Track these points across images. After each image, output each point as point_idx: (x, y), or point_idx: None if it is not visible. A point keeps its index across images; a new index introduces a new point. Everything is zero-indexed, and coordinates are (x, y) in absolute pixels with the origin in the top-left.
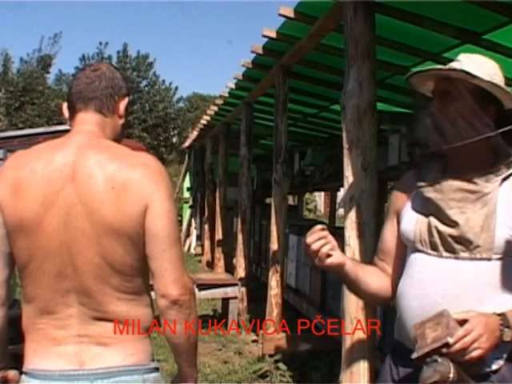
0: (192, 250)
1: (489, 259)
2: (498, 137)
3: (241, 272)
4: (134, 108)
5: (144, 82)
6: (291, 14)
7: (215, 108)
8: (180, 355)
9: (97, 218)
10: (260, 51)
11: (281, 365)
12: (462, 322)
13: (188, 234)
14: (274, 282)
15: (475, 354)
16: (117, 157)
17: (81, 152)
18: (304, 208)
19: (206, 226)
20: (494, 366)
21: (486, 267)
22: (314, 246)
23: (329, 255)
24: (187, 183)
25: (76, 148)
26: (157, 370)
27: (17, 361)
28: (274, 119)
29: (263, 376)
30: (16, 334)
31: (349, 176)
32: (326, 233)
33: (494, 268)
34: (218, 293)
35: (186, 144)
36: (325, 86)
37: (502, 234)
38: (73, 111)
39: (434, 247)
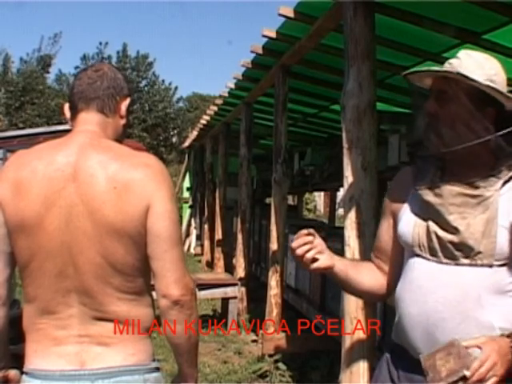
0: (192, 250)
1: (490, 266)
2: (499, 139)
3: (240, 272)
4: (134, 108)
5: (144, 82)
6: (291, 14)
7: (215, 108)
8: (181, 355)
9: (98, 218)
10: (260, 51)
11: (280, 365)
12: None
13: (188, 234)
14: (273, 281)
15: (491, 382)
16: (118, 157)
17: (82, 152)
18: (304, 208)
19: (206, 226)
20: None
21: (487, 274)
22: (299, 252)
23: (315, 259)
24: (187, 183)
25: (77, 148)
26: (157, 369)
27: (17, 360)
28: (274, 119)
29: (263, 376)
30: (16, 333)
31: (348, 176)
32: (311, 238)
33: (496, 274)
34: (218, 293)
35: (186, 144)
36: (324, 85)
37: (503, 239)
38: (74, 111)
39: (433, 253)
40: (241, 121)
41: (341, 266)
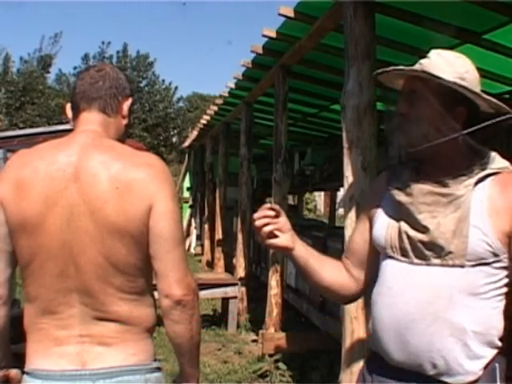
0: (192, 250)
1: (462, 266)
2: (467, 137)
3: (241, 272)
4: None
5: (144, 82)
6: (291, 14)
7: (215, 108)
8: (183, 355)
9: (100, 218)
10: (260, 51)
11: (281, 364)
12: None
13: (188, 234)
14: (273, 281)
15: None
16: (120, 157)
17: (84, 152)
18: (304, 208)
19: (206, 226)
20: None
21: (459, 274)
22: (257, 223)
23: (275, 236)
24: (187, 183)
25: (79, 148)
26: (159, 369)
27: (17, 360)
28: (274, 119)
29: (263, 376)
30: (16, 333)
31: (349, 176)
32: (272, 213)
33: (468, 275)
34: (218, 292)
35: (186, 144)
36: (325, 85)
37: (475, 239)
38: (76, 111)
39: (404, 253)
40: (241, 120)
41: (302, 252)
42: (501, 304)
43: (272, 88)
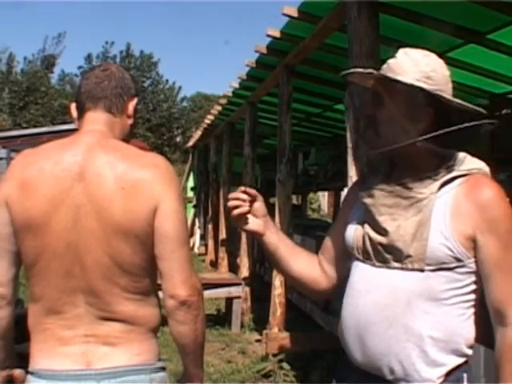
0: (195, 250)
1: (421, 270)
2: (425, 143)
3: (244, 271)
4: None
5: (148, 82)
6: (295, 14)
7: (219, 107)
8: (187, 355)
9: (106, 218)
10: (264, 51)
11: (284, 364)
12: None
13: (192, 234)
14: (277, 281)
15: None
16: (126, 157)
17: (90, 152)
18: (308, 208)
19: (210, 226)
20: None
21: (418, 278)
22: (229, 204)
23: (246, 219)
24: (191, 183)
25: (85, 147)
26: (163, 369)
27: (21, 360)
28: (278, 119)
29: (267, 375)
30: (20, 333)
31: (353, 176)
32: (244, 196)
33: (428, 280)
34: (222, 292)
35: (190, 143)
36: (329, 85)
37: (435, 243)
38: (82, 110)
39: (366, 256)
40: (245, 120)
41: (273, 239)
42: (469, 311)
43: (276, 88)
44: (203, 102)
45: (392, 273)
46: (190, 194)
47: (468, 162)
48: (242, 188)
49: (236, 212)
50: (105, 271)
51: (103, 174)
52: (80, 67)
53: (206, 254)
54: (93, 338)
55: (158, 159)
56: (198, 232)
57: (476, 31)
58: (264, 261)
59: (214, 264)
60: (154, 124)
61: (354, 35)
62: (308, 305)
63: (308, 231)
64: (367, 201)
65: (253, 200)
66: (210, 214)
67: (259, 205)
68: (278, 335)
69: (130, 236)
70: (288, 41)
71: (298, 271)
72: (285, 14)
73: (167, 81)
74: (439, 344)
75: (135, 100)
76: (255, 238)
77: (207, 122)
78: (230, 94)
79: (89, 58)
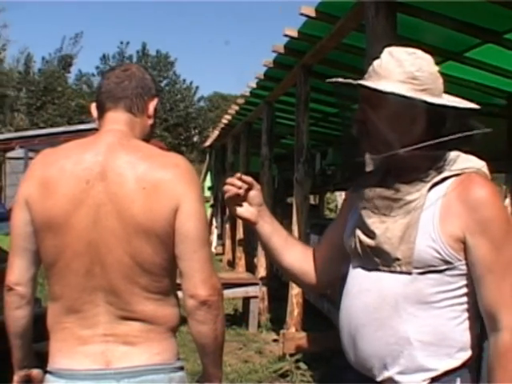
0: (213, 249)
1: (409, 273)
2: (407, 151)
3: (262, 271)
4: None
5: (165, 82)
6: (312, 14)
7: (236, 107)
8: (207, 355)
9: (127, 218)
10: (281, 50)
11: (301, 364)
12: None
13: (209, 233)
14: None
15: None
16: (147, 157)
17: (111, 151)
18: (325, 207)
19: (227, 225)
20: None
21: (406, 281)
22: (224, 188)
23: (240, 205)
24: (208, 182)
25: (106, 147)
26: (182, 369)
27: (39, 359)
28: (296, 118)
29: (284, 375)
30: (37, 332)
31: None
32: (239, 183)
33: (416, 283)
34: (239, 292)
35: (207, 143)
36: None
37: (422, 246)
38: (102, 110)
39: (359, 258)
40: (262, 120)
41: (266, 229)
42: (463, 314)
43: (293, 88)
44: (220, 101)
45: (381, 276)
46: (208, 193)
47: (461, 162)
48: (238, 175)
49: (227, 195)
50: (125, 271)
51: (124, 174)
52: (97, 67)
53: (223, 253)
54: (112, 338)
55: (179, 159)
56: (215, 232)
57: (493, 31)
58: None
59: (232, 264)
60: (171, 124)
61: (371, 35)
62: (325, 305)
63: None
64: (358, 203)
65: (249, 188)
66: (227, 213)
67: (255, 193)
68: (295, 335)
69: (151, 236)
70: (305, 41)
71: (290, 263)
72: (302, 14)
73: (184, 81)
74: (429, 348)
75: (156, 100)
76: (249, 226)
77: (224, 121)
78: (248, 94)
79: (104, 58)
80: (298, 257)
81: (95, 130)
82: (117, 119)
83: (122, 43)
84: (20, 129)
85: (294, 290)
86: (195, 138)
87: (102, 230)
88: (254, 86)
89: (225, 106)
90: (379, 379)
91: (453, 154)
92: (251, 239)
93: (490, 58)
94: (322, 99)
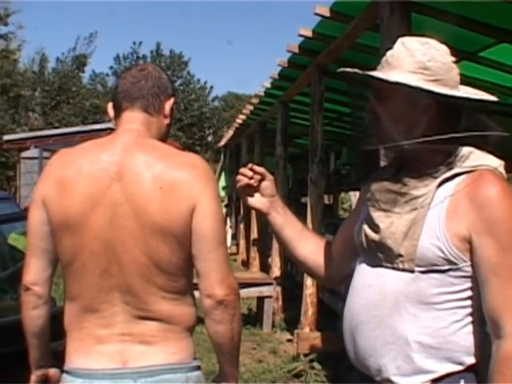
0: None
1: (411, 271)
2: (416, 143)
3: (276, 271)
4: None
5: (179, 81)
6: (327, 13)
7: (251, 107)
8: (223, 355)
9: (144, 218)
10: (296, 50)
11: (315, 364)
12: None
13: None
14: (309, 281)
15: None
16: (164, 157)
17: (127, 151)
18: (339, 207)
19: (242, 225)
20: None
21: (408, 280)
22: (237, 177)
23: (251, 196)
24: (222, 182)
25: (122, 147)
26: (199, 368)
27: (54, 358)
28: (310, 118)
29: (298, 375)
30: (52, 331)
31: None
32: (250, 173)
33: (418, 282)
34: (253, 292)
35: (222, 143)
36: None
37: (426, 243)
38: (118, 110)
39: (365, 253)
40: (277, 120)
41: (279, 220)
42: (466, 318)
43: (308, 87)
44: (234, 101)
45: (383, 272)
46: (222, 193)
47: (474, 158)
48: (250, 165)
49: (238, 185)
50: (142, 270)
51: (141, 174)
52: (111, 67)
53: (237, 253)
54: (129, 337)
55: (196, 159)
56: (229, 231)
57: (508, 30)
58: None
59: (246, 263)
60: (186, 124)
61: (386, 35)
62: (339, 304)
63: None
64: (366, 196)
65: (262, 179)
66: (241, 213)
67: (267, 184)
68: (309, 335)
69: (168, 235)
70: (320, 40)
71: (303, 255)
72: (317, 14)
73: (198, 80)
74: (429, 350)
75: (172, 100)
76: (262, 217)
77: (239, 121)
78: (262, 94)
79: (118, 58)
80: (311, 249)
81: (110, 129)
82: (133, 119)
83: (134, 43)
84: (35, 128)
85: (308, 290)
86: (209, 138)
87: (119, 229)
88: (269, 85)
89: (239, 105)
90: (377, 378)
91: (465, 150)
92: (265, 239)
93: (505, 57)
94: (336, 99)
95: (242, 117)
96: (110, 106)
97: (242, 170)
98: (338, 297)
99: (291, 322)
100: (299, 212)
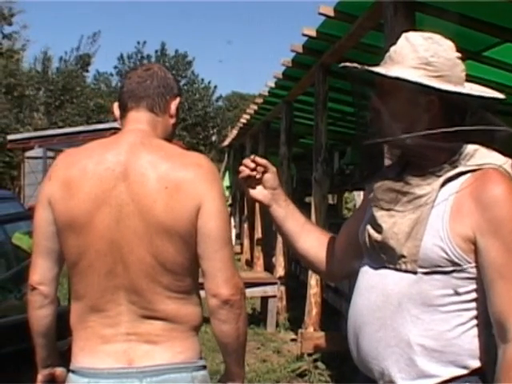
0: None
1: (414, 272)
2: (415, 138)
3: (280, 271)
4: None
5: (183, 81)
6: (331, 13)
7: (255, 107)
8: (229, 355)
9: (149, 218)
10: (300, 50)
11: (319, 364)
12: None
13: None
14: (313, 280)
15: None
16: (169, 156)
17: (133, 151)
18: (343, 207)
19: (246, 225)
20: None
21: (411, 281)
22: (240, 168)
23: (253, 187)
24: (226, 182)
25: (128, 147)
26: (205, 367)
27: (60, 357)
28: (314, 118)
29: (302, 375)
30: (57, 330)
31: None
32: (252, 165)
33: (421, 283)
34: (258, 291)
35: (226, 143)
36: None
37: (429, 244)
38: (124, 110)
39: (368, 253)
40: (281, 120)
41: (281, 213)
42: (471, 321)
43: (312, 87)
44: (238, 101)
45: (386, 273)
46: (226, 193)
47: (479, 157)
48: (252, 157)
49: (240, 176)
50: (147, 270)
51: (146, 174)
52: (115, 67)
53: (241, 253)
54: (134, 337)
55: (201, 159)
56: (233, 231)
57: None
58: (300, 260)
59: (250, 263)
60: (190, 123)
61: (390, 34)
62: (343, 304)
63: None
64: (370, 196)
65: (265, 171)
66: (245, 213)
67: (269, 176)
68: (313, 334)
69: (173, 235)
70: (324, 40)
71: (305, 249)
72: (321, 14)
73: (202, 80)
74: (432, 354)
75: (177, 99)
76: (266, 216)
77: (243, 121)
78: (266, 94)
79: (122, 58)
80: (313, 243)
81: (114, 129)
82: (139, 119)
83: (138, 43)
84: (39, 128)
85: (313, 290)
86: (213, 138)
87: (125, 229)
88: (273, 85)
89: (243, 105)
90: (380, 382)
91: (470, 148)
92: (269, 239)
93: (510, 57)
94: (340, 98)
95: (246, 116)
96: (115, 105)
97: (245, 161)
98: (342, 297)
99: (295, 321)
100: (303, 212)
